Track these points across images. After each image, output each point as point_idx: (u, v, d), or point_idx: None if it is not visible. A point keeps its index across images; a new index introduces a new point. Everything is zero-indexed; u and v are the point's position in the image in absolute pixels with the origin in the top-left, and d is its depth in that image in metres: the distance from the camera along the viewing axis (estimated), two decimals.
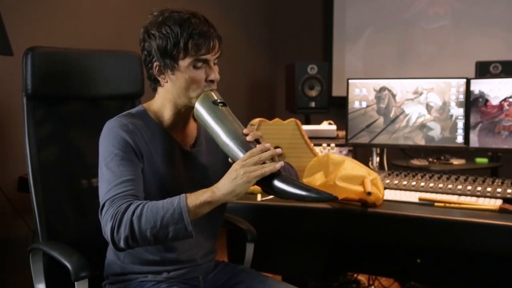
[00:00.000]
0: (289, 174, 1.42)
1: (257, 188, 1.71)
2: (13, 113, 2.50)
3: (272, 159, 1.25)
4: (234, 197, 1.22)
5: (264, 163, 1.22)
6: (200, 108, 1.32)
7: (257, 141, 1.29)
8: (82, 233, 1.54)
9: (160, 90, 1.37)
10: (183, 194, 1.21)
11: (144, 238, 1.19)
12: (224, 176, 1.22)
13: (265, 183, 1.23)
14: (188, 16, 1.29)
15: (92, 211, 1.44)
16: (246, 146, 1.26)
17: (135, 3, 3.34)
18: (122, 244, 1.19)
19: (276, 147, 1.25)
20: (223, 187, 1.21)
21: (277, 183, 1.22)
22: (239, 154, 1.26)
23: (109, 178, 1.25)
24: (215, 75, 1.33)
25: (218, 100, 1.32)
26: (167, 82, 1.33)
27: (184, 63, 1.29)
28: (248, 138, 1.27)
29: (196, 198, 1.20)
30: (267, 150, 1.26)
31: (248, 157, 1.22)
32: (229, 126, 1.30)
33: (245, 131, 1.29)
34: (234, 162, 1.27)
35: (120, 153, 1.27)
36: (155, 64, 1.32)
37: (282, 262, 1.98)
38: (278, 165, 1.22)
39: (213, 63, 1.33)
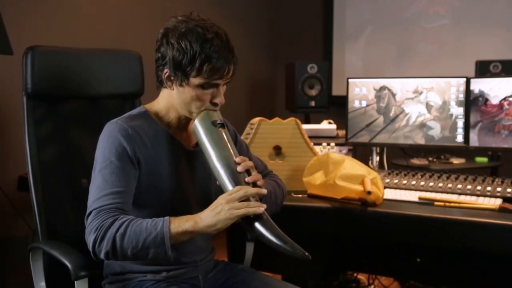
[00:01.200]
0: (274, 200, 1.46)
1: None
2: (13, 112, 2.50)
3: (260, 199, 1.27)
4: (215, 231, 1.22)
5: (249, 199, 1.23)
6: (198, 126, 1.32)
7: (247, 171, 1.30)
8: (82, 232, 1.52)
9: (165, 91, 1.37)
10: (167, 218, 1.21)
11: (124, 255, 1.21)
12: (209, 207, 1.23)
13: (247, 221, 1.24)
14: (211, 36, 1.26)
15: None
16: (235, 177, 1.27)
17: (135, 2, 3.34)
18: (102, 256, 1.21)
19: (275, 146, 1.25)
20: (206, 219, 1.21)
21: (257, 226, 1.23)
22: (227, 184, 1.27)
23: (100, 185, 1.26)
24: (220, 99, 1.33)
25: (218, 121, 1.33)
26: (173, 89, 1.33)
27: (194, 81, 1.28)
28: (239, 169, 1.28)
29: (179, 225, 1.21)
30: (256, 180, 1.28)
31: (234, 192, 1.23)
32: (222, 151, 1.30)
33: (237, 159, 1.30)
34: (221, 187, 1.28)
35: (116, 162, 1.27)
36: (165, 70, 1.31)
37: (282, 261, 1.97)
38: (262, 208, 1.22)
39: (222, 85, 1.33)
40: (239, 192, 1.22)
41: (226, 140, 1.33)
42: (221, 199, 1.23)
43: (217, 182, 1.31)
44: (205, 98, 1.31)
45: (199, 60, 1.25)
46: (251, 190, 1.24)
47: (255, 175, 1.30)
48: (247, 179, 1.28)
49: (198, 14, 1.33)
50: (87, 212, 1.25)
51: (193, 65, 1.26)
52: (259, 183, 1.30)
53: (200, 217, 1.22)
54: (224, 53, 1.27)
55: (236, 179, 1.27)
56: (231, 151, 1.32)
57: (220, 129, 1.32)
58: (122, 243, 1.19)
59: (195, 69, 1.26)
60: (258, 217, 1.23)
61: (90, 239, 1.21)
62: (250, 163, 1.31)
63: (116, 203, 1.24)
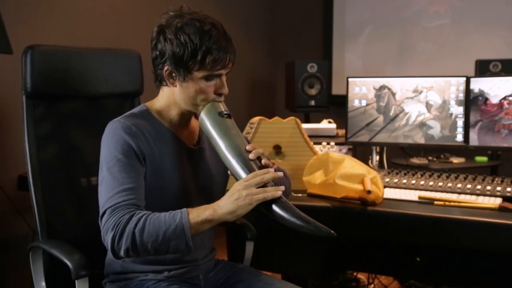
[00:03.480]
0: (286, 191, 1.43)
1: None
2: (13, 111, 2.50)
3: (275, 182, 1.27)
4: (234, 217, 1.22)
5: (265, 185, 1.23)
6: (205, 118, 1.32)
7: (259, 158, 1.29)
8: (82, 231, 1.54)
9: (165, 89, 1.36)
10: (185, 209, 1.21)
11: (145, 250, 1.19)
12: (226, 195, 1.22)
13: (266, 206, 1.23)
14: (209, 28, 1.26)
15: (91, 209, 1.44)
16: (248, 164, 1.27)
17: (135, 1, 3.34)
18: (122, 254, 1.19)
19: (275, 146, 1.25)
20: (225, 207, 1.21)
21: (277, 209, 1.23)
22: (241, 172, 1.26)
23: (110, 184, 1.24)
24: (225, 89, 1.33)
25: (224, 112, 1.32)
26: (175, 86, 1.32)
27: (197, 74, 1.28)
28: (251, 156, 1.28)
29: (198, 215, 1.20)
30: (268, 170, 1.27)
31: (250, 178, 1.22)
32: (232, 140, 1.30)
33: (248, 147, 1.29)
34: (234, 176, 1.28)
35: (123, 159, 1.26)
36: (166, 67, 1.30)
37: (281, 261, 1.98)
38: (280, 192, 1.22)
39: (224, 75, 1.33)
40: (256, 179, 1.22)
41: (235, 130, 1.33)
42: (238, 185, 1.22)
43: (229, 172, 1.30)
44: (209, 90, 1.31)
45: (200, 53, 1.25)
46: (268, 175, 1.23)
47: (267, 161, 1.30)
48: (260, 165, 1.28)
49: (188, 7, 1.33)
50: (101, 212, 1.23)
51: (195, 59, 1.26)
52: (270, 169, 1.29)
53: (219, 205, 1.21)
54: (224, 43, 1.27)
55: (249, 167, 1.26)
56: (241, 139, 1.32)
57: (227, 119, 1.32)
58: (142, 238, 1.17)
59: (198, 62, 1.26)
60: (276, 201, 1.22)
61: (108, 237, 1.19)
62: (261, 150, 1.31)
63: (129, 199, 1.23)
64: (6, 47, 2.13)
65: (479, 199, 1.74)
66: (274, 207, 1.23)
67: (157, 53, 1.31)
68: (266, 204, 1.23)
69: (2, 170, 2.52)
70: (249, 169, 1.26)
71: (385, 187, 1.84)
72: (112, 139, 1.29)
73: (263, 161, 1.29)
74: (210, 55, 1.26)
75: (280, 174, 1.27)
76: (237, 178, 1.27)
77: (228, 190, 1.27)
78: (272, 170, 1.28)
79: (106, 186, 1.25)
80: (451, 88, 2.18)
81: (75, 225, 1.54)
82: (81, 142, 1.62)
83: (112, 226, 1.19)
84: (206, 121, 1.32)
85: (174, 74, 1.30)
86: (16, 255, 2.43)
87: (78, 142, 1.62)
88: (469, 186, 1.85)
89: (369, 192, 1.67)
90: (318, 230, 1.20)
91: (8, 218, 2.53)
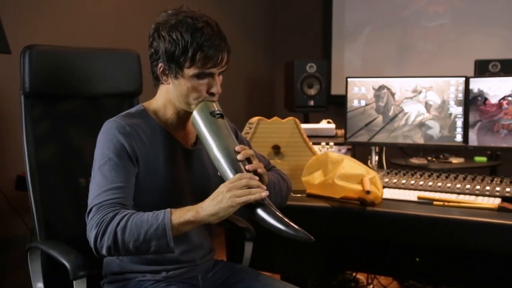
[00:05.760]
0: (278, 191, 1.45)
1: None
2: (11, 111, 2.49)
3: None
4: (218, 219, 1.22)
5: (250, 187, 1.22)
6: (197, 117, 1.32)
7: (248, 160, 1.29)
8: (80, 232, 1.52)
9: (162, 87, 1.37)
10: (168, 209, 1.21)
11: (126, 250, 1.20)
12: (210, 196, 1.22)
13: (249, 208, 1.23)
14: (201, 25, 1.26)
15: None
16: (236, 165, 1.27)
17: (134, 1, 3.34)
18: (104, 252, 1.20)
19: (274, 146, 1.25)
20: (208, 208, 1.21)
21: (259, 212, 1.23)
22: (228, 173, 1.26)
23: (100, 182, 1.25)
24: (217, 88, 1.32)
25: (216, 112, 1.32)
26: (169, 83, 1.33)
27: (189, 71, 1.28)
28: (239, 157, 1.28)
29: (181, 215, 1.20)
30: (257, 168, 1.27)
31: (235, 180, 1.22)
32: (222, 141, 1.30)
33: (237, 148, 1.29)
34: (222, 177, 1.28)
35: (114, 158, 1.27)
36: (160, 64, 1.31)
37: (281, 261, 1.97)
38: (264, 194, 1.22)
39: (217, 75, 1.32)
40: (242, 181, 1.22)
41: (226, 130, 1.33)
42: (222, 187, 1.22)
43: (218, 173, 1.30)
44: (201, 89, 1.31)
45: (191, 50, 1.25)
46: (253, 181, 1.23)
47: (255, 164, 1.29)
48: (248, 167, 1.27)
49: (188, 7, 1.33)
50: (88, 209, 1.25)
51: (186, 55, 1.26)
52: (260, 171, 1.29)
53: (202, 206, 1.21)
54: (216, 41, 1.27)
55: (237, 168, 1.26)
56: (231, 140, 1.32)
57: (219, 119, 1.32)
58: (123, 236, 1.18)
59: (188, 59, 1.26)
60: (259, 204, 1.23)
61: (91, 235, 1.20)
62: (250, 152, 1.30)
63: (116, 198, 1.23)
64: (5, 47, 2.13)
65: (478, 199, 1.74)
66: (257, 210, 1.23)
67: (153, 50, 1.32)
68: (249, 206, 1.23)
69: (0, 170, 2.52)
70: (236, 170, 1.26)
71: (384, 187, 1.83)
72: (105, 138, 1.30)
73: (249, 166, 1.27)
74: (201, 52, 1.25)
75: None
76: (224, 179, 1.27)
77: None
78: (260, 170, 1.28)
79: (95, 184, 1.26)
80: (450, 88, 2.18)
81: (74, 226, 1.54)
82: (79, 142, 1.61)
83: (96, 223, 1.20)
84: (197, 120, 1.32)
85: (167, 72, 1.30)
86: (15, 255, 2.42)
87: (76, 142, 1.61)
88: (468, 186, 1.85)
89: (368, 192, 1.67)
90: (297, 234, 1.20)
91: (6, 218, 2.52)
